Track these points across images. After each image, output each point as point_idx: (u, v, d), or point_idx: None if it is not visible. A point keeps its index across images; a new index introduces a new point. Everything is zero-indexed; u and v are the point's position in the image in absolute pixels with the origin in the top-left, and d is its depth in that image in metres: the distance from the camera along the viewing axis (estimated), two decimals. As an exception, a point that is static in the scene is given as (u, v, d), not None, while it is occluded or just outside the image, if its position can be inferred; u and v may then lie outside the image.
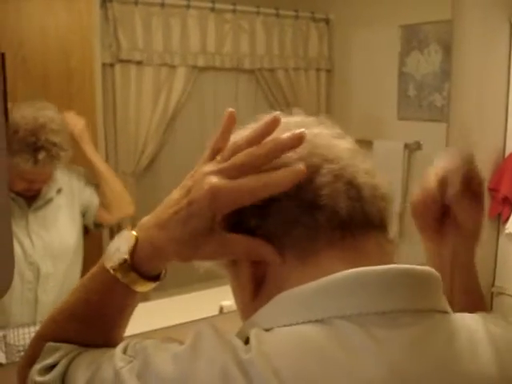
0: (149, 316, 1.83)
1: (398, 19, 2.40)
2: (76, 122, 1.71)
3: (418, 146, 2.41)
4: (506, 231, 2.55)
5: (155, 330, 1.71)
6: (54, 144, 1.57)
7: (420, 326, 0.58)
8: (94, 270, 0.72)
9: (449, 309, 0.63)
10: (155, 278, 0.70)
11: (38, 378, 0.68)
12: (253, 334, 0.57)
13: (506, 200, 2.52)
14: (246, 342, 0.57)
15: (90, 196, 1.76)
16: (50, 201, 1.68)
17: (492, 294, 2.62)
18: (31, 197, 1.65)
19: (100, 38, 1.88)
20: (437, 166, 0.81)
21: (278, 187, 0.60)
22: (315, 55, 2.45)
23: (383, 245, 0.65)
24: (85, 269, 1.77)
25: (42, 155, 1.55)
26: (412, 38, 2.43)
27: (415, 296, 0.60)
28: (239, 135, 0.65)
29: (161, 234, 0.64)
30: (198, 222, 0.62)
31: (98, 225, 1.80)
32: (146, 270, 0.68)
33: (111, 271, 0.67)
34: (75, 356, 0.68)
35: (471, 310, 0.76)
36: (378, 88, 2.54)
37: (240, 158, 0.61)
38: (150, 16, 1.99)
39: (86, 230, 1.79)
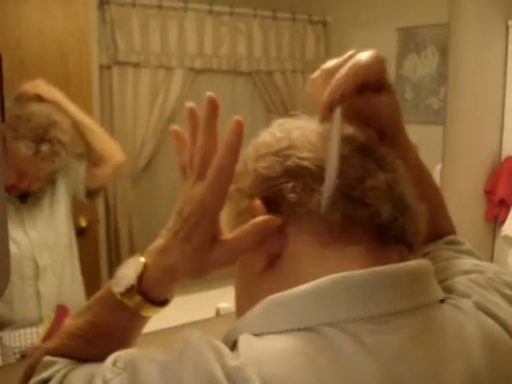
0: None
1: (395, 22, 2.40)
2: (36, 84, 1.67)
3: (414, 148, 2.41)
4: (503, 233, 2.56)
5: (152, 332, 1.71)
6: (59, 141, 1.58)
7: (407, 328, 0.58)
8: (100, 293, 0.73)
9: (440, 295, 0.63)
10: (162, 302, 0.71)
11: None
12: (242, 339, 0.57)
13: (502, 202, 2.53)
14: (233, 345, 0.57)
15: (73, 165, 1.74)
16: (42, 192, 1.68)
17: (488, 296, 2.63)
18: (25, 194, 1.64)
19: (97, 39, 1.88)
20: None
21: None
22: (312, 58, 2.45)
23: (406, 258, 0.64)
24: (82, 265, 1.76)
25: (45, 147, 1.56)
26: (409, 41, 2.44)
27: (402, 296, 0.59)
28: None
29: (168, 258, 0.66)
30: (200, 234, 0.63)
31: (92, 192, 1.78)
32: (154, 296, 0.69)
33: (118, 296, 0.68)
34: (71, 370, 0.68)
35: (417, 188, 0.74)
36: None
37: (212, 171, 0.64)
38: (147, 18, 1.99)
39: (82, 231, 1.78)
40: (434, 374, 0.57)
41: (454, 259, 0.80)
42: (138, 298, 0.68)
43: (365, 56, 0.73)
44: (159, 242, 0.69)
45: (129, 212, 1.97)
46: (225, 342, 0.59)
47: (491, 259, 2.64)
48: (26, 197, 1.65)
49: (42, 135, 1.56)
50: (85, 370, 0.66)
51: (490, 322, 0.64)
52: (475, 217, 2.58)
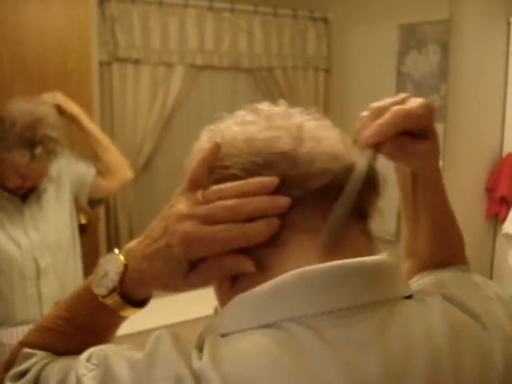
0: (142, 316, 1.83)
1: (397, 19, 2.40)
2: (54, 96, 1.69)
3: (415, 145, 2.41)
4: (504, 231, 2.55)
5: (149, 330, 1.71)
6: (51, 139, 1.56)
7: (370, 321, 0.58)
8: (79, 290, 0.73)
9: (406, 292, 0.63)
10: (142, 303, 0.70)
11: None
12: (207, 340, 0.58)
13: (503, 200, 2.52)
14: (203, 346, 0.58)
15: (83, 172, 1.75)
16: (42, 192, 1.67)
17: (489, 294, 2.62)
18: (25, 194, 1.64)
19: (97, 36, 1.88)
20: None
21: (250, 240, 0.60)
22: (313, 54, 2.44)
23: (368, 233, 0.65)
24: (83, 262, 1.76)
25: (38, 150, 1.54)
26: (410, 38, 2.43)
27: (363, 290, 0.59)
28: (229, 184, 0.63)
29: (147, 268, 0.65)
30: (176, 265, 0.62)
31: (95, 201, 1.79)
32: (134, 297, 0.68)
33: (100, 298, 0.68)
34: (48, 362, 0.68)
35: (438, 229, 0.78)
36: (376, 87, 2.54)
37: (221, 211, 0.61)
38: (147, 14, 1.99)
39: (83, 228, 1.78)
40: (396, 365, 0.56)
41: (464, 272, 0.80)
42: (118, 299, 0.67)
43: (415, 104, 0.72)
44: (142, 241, 0.66)
45: (129, 209, 1.97)
46: (198, 342, 0.60)
47: (492, 257, 2.64)
48: (27, 197, 1.65)
49: (31, 139, 1.53)
50: (61, 363, 0.66)
51: (454, 309, 0.64)
52: (476, 214, 2.57)
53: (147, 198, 2.05)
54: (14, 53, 1.64)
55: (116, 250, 0.69)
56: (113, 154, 1.78)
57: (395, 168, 0.81)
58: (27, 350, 0.71)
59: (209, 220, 0.61)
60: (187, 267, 0.62)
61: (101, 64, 1.91)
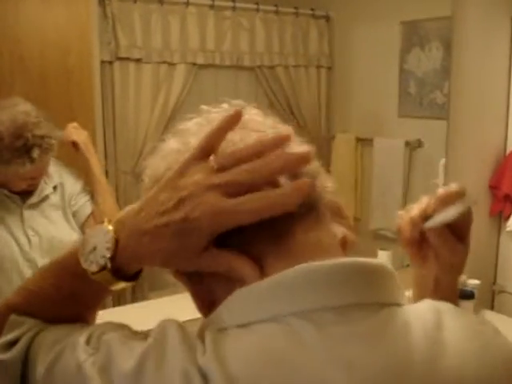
0: (148, 315, 1.83)
1: (399, 16, 2.39)
2: (79, 133, 1.70)
3: (418, 143, 2.40)
4: (507, 229, 2.54)
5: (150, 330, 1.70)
6: (42, 137, 1.55)
7: (371, 320, 0.57)
8: (66, 256, 0.68)
9: (402, 300, 0.62)
10: (133, 277, 0.66)
11: (0, 356, 0.65)
12: (208, 334, 0.56)
13: (507, 198, 2.51)
14: (203, 340, 0.56)
15: (82, 204, 1.75)
16: (45, 197, 1.67)
17: (493, 292, 2.62)
18: (27, 192, 1.64)
19: (98, 35, 1.87)
20: (432, 196, 0.79)
21: (284, 207, 0.57)
22: (315, 52, 2.44)
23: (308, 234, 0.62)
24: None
25: (35, 153, 1.53)
26: (413, 35, 2.42)
27: (365, 290, 0.59)
28: (239, 141, 0.60)
29: (147, 245, 0.60)
30: (195, 240, 0.57)
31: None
32: (124, 272, 0.64)
33: (89, 274, 0.63)
34: (38, 332, 0.65)
35: None
36: (379, 85, 2.53)
37: (243, 175, 0.57)
38: (148, 13, 1.98)
39: (84, 230, 1.78)
40: (397, 363, 0.56)
41: None
42: (109, 276, 0.62)
43: (455, 213, 0.76)
44: (138, 213, 0.61)
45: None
46: (198, 335, 0.58)
47: (496, 255, 2.63)
48: (27, 198, 1.64)
49: (24, 145, 1.51)
50: (53, 336, 0.63)
51: (453, 321, 0.64)
52: (480, 212, 2.56)
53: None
54: (15, 52, 1.64)
55: (105, 221, 0.64)
56: (109, 204, 1.78)
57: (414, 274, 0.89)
58: (15, 317, 0.68)
59: (232, 189, 0.56)
60: (206, 244, 0.58)
61: (102, 63, 1.91)
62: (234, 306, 0.59)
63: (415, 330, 0.59)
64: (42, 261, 1.64)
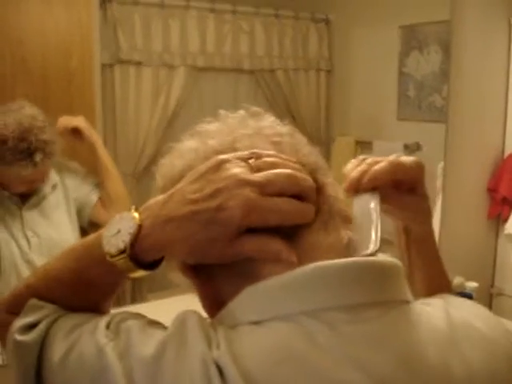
0: (148, 316, 1.83)
1: (398, 19, 2.40)
2: (77, 119, 1.70)
3: (417, 146, 2.41)
4: (506, 232, 2.55)
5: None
6: (46, 142, 1.55)
7: (383, 318, 0.58)
8: (88, 240, 0.69)
9: (410, 297, 0.63)
10: (153, 265, 0.66)
11: (18, 337, 0.65)
12: (220, 330, 0.57)
13: (505, 200, 2.52)
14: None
15: (87, 193, 1.75)
16: (44, 197, 1.67)
17: (491, 294, 2.62)
18: (26, 194, 1.65)
19: (99, 38, 1.87)
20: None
21: (304, 218, 0.61)
22: (315, 56, 2.44)
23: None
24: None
25: (38, 157, 1.53)
26: (412, 39, 2.43)
27: (376, 288, 0.60)
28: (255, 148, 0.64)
29: (173, 232, 0.61)
30: (224, 230, 0.59)
31: (94, 224, 1.79)
32: (144, 260, 0.64)
33: (108, 257, 0.64)
34: (57, 318, 0.66)
35: (432, 287, 0.80)
36: (378, 89, 2.54)
37: (279, 179, 0.60)
38: (149, 16, 1.99)
39: (82, 231, 1.78)
40: (410, 362, 0.57)
41: None
42: (127, 260, 0.63)
43: (407, 159, 0.77)
44: (166, 202, 0.63)
45: (131, 210, 1.97)
46: (211, 327, 0.59)
47: (494, 258, 2.63)
48: (27, 199, 1.65)
49: (27, 149, 1.52)
50: (71, 322, 0.64)
51: (459, 313, 0.65)
52: (478, 215, 2.57)
53: (150, 198, 2.04)
54: (16, 55, 1.64)
55: (132, 208, 0.66)
56: (117, 186, 1.78)
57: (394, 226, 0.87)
58: (36, 301, 0.68)
59: (267, 189, 0.59)
60: (235, 234, 0.59)
61: (103, 66, 1.91)
62: (246, 303, 0.60)
63: (426, 327, 0.60)
64: (41, 262, 1.65)
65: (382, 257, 0.62)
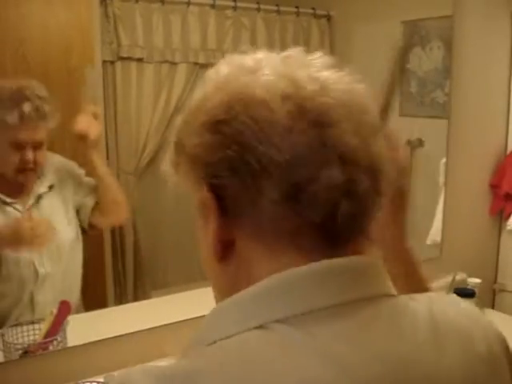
0: (150, 314, 1.83)
1: (400, 15, 2.39)
2: (95, 127, 1.70)
3: (419, 142, 2.41)
4: (508, 228, 2.55)
5: (157, 327, 1.71)
6: (39, 97, 1.55)
7: (358, 315, 0.58)
8: None
9: (392, 291, 0.63)
10: None
11: None
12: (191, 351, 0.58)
13: (507, 196, 2.51)
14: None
15: (83, 196, 1.75)
16: (41, 197, 1.67)
17: (494, 290, 2.62)
18: (22, 192, 1.64)
19: (100, 35, 1.87)
20: None
21: None
22: (316, 51, 2.43)
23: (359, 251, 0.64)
24: (85, 268, 1.76)
25: (27, 107, 1.52)
26: (414, 34, 2.42)
27: (348, 288, 0.59)
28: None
29: None
30: None
31: (93, 226, 1.79)
32: None
33: None
34: None
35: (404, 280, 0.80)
36: (380, 84, 2.53)
37: None
38: (150, 13, 1.98)
39: (84, 230, 1.78)
40: (385, 360, 0.56)
41: None
42: None
43: None
44: None
45: (132, 208, 1.97)
46: (183, 352, 0.59)
47: (497, 254, 2.63)
48: (25, 199, 1.64)
49: (18, 98, 1.52)
50: None
51: (443, 310, 0.65)
52: (480, 211, 2.56)
53: (151, 196, 2.04)
54: (16, 52, 1.64)
55: None
56: (112, 192, 1.78)
57: None
58: None
59: None
60: None
61: (104, 63, 1.91)
62: (217, 320, 0.61)
63: (402, 324, 0.60)
64: (41, 265, 1.64)
65: (352, 255, 0.61)
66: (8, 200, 1.61)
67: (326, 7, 2.42)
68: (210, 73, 0.70)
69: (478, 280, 2.26)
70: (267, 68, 0.63)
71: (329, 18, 2.44)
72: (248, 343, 0.55)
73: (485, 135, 2.53)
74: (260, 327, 0.56)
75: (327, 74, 0.65)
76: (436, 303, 0.65)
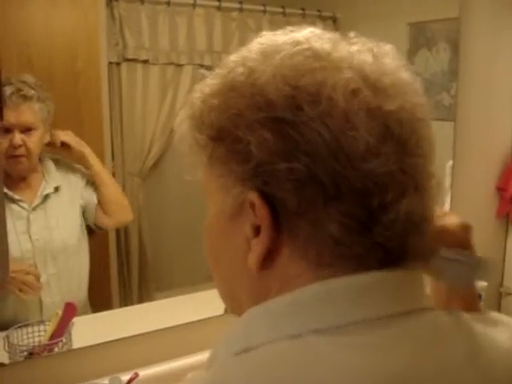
0: (154, 316, 1.83)
1: (406, 17, 2.39)
2: (64, 133, 1.71)
3: (425, 145, 2.39)
4: (515, 231, 2.54)
5: (162, 329, 1.71)
6: (24, 82, 1.56)
7: (397, 328, 0.56)
8: None
9: (429, 305, 0.61)
10: None
11: None
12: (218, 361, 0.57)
13: (514, 199, 2.50)
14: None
15: (89, 196, 1.76)
16: (48, 197, 1.67)
17: (500, 294, 2.61)
18: (29, 192, 1.64)
19: (106, 36, 1.88)
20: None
21: None
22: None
23: None
24: (90, 269, 1.76)
25: (9, 89, 1.53)
26: (420, 36, 2.42)
27: (388, 301, 0.57)
28: None
29: None
30: None
31: (99, 226, 1.80)
32: None
33: None
34: None
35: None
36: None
37: None
38: (156, 15, 1.98)
39: (90, 230, 1.79)
40: (423, 370, 0.54)
41: None
42: None
43: (453, 222, 0.77)
44: None
45: (138, 210, 1.97)
46: (209, 361, 0.58)
47: (503, 257, 2.62)
48: (31, 199, 1.64)
49: (4, 82, 1.51)
50: None
51: (480, 326, 0.63)
52: (487, 214, 2.55)
53: (156, 198, 2.04)
54: (22, 53, 1.64)
55: None
56: (115, 196, 1.80)
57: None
58: None
59: None
60: None
61: (109, 65, 1.91)
62: (251, 326, 0.58)
63: (440, 337, 0.58)
64: (45, 270, 1.65)
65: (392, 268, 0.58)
66: (16, 197, 1.61)
67: (332, 9, 2.42)
68: (256, 46, 0.65)
69: (484, 283, 2.25)
70: (345, 63, 0.56)
71: (335, 19, 2.44)
72: (280, 353, 0.53)
73: (491, 138, 2.52)
74: (293, 337, 0.54)
75: (404, 77, 0.61)
76: (473, 320, 0.64)
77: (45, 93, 1.61)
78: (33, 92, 1.58)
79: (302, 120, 0.52)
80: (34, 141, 1.63)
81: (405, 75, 0.61)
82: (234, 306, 0.66)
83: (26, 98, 1.58)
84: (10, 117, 1.57)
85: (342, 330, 0.54)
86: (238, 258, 0.60)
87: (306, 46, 0.58)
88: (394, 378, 0.52)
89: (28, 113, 1.60)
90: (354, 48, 0.60)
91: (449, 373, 0.56)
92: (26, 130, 1.61)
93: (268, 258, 0.57)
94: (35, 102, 1.59)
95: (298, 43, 0.58)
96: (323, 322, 0.54)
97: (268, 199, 0.55)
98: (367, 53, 0.60)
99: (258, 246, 0.57)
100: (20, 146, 1.60)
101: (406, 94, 0.57)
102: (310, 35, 0.59)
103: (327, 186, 0.52)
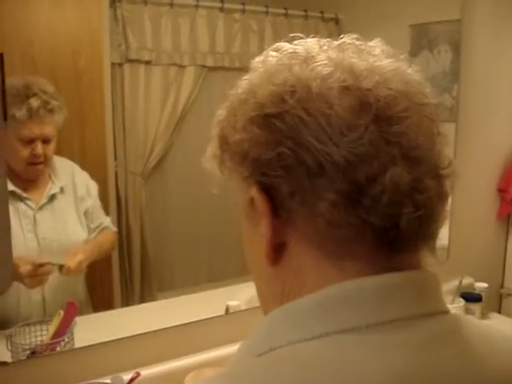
0: (156, 315, 1.83)
1: (408, 19, 2.39)
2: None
3: (427, 146, 2.40)
4: (516, 232, 2.54)
5: (164, 329, 1.71)
6: (46, 92, 1.57)
7: (423, 329, 0.56)
8: None
9: (448, 308, 0.61)
10: None
11: None
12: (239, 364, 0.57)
13: (515, 201, 2.51)
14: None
15: (94, 198, 1.78)
16: (54, 197, 1.68)
17: (501, 295, 2.61)
18: (35, 191, 1.65)
19: (109, 37, 1.88)
20: None
21: None
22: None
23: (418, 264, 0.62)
24: (92, 268, 1.77)
25: (35, 102, 1.55)
26: (421, 38, 2.42)
27: (415, 301, 0.57)
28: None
29: None
30: None
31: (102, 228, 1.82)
32: None
33: None
34: None
35: None
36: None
37: None
38: (159, 16, 1.99)
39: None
40: (450, 373, 0.55)
41: None
42: None
43: None
44: None
45: (140, 210, 1.97)
46: (232, 362, 0.58)
47: (504, 258, 2.62)
48: (38, 198, 1.65)
49: (25, 93, 1.54)
50: None
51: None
52: (487, 215, 2.56)
53: (159, 198, 2.05)
54: (25, 54, 1.65)
55: None
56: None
57: None
58: None
59: None
60: None
61: (112, 65, 1.92)
62: (276, 325, 0.58)
63: (463, 337, 0.59)
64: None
65: (419, 269, 0.59)
66: (24, 195, 1.62)
67: (335, 10, 2.43)
68: (256, 62, 0.67)
69: (484, 284, 2.25)
70: (321, 56, 0.60)
71: (337, 21, 2.44)
72: (306, 354, 0.53)
73: (492, 139, 2.52)
74: (319, 337, 0.54)
75: (386, 64, 0.62)
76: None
77: (61, 100, 1.62)
78: (56, 103, 1.60)
79: (285, 110, 0.56)
80: (52, 148, 1.65)
81: (385, 61, 0.64)
82: (263, 307, 0.66)
83: (51, 111, 1.59)
84: (35, 129, 1.60)
85: (370, 329, 0.54)
86: (259, 258, 0.61)
87: (290, 50, 0.65)
88: (419, 380, 0.53)
89: (51, 125, 1.63)
90: (334, 45, 0.64)
91: (468, 374, 0.56)
92: (47, 140, 1.63)
93: (277, 251, 0.59)
94: (57, 113, 1.61)
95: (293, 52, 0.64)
96: (352, 322, 0.54)
97: (265, 190, 0.58)
98: (350, 49, 0.65)
99: (264, 238, 0.59)
100: (40, 155, 1.63)
101: (385, 74, 0.59)
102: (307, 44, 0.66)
103: (310, 165, 0.54)
